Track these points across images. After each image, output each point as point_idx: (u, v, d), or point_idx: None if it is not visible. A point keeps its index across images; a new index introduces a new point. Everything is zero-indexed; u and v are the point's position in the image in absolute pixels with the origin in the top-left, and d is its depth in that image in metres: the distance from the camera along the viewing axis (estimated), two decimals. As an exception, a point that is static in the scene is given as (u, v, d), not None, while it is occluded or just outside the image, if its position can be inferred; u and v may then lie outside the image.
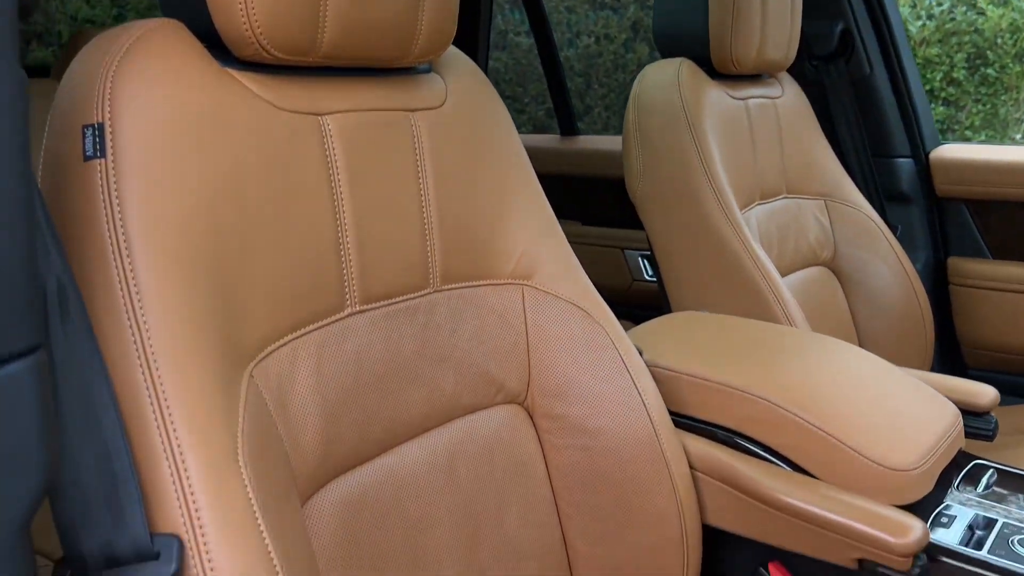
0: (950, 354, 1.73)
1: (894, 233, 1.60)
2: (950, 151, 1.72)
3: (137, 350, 0.55)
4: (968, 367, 1.72)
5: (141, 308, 0.56)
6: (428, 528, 0.74)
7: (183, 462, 0.53)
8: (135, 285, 0.56)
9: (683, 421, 0.96)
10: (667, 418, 0.89)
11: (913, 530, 0.78)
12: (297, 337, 0.67)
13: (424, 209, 0.78)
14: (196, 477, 0.53)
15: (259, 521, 0.54)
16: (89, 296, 0.57)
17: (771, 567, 0.90)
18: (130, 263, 0.57)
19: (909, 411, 0.92)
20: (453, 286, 0.82)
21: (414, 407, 0.76)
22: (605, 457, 0.86)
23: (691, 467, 0.90)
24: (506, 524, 0.81)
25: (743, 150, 1.43)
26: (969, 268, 1.69)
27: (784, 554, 0.89)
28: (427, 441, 0.78)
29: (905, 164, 1.73)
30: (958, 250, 1.72)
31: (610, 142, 2.23)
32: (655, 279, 2.03)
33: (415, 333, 0.77)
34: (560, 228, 0.93)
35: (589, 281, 0.93)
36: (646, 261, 2.14)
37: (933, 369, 1.56)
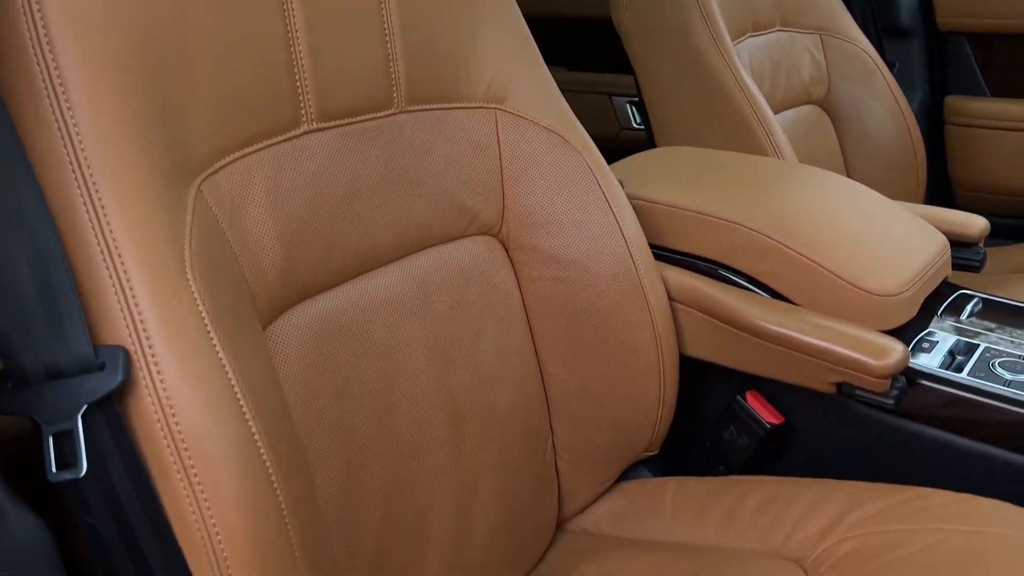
0: (942, 197, 1.70)
1: (891, 70, 1.53)
2: (956, -21, 1.63)
3: (70, 160, 0.51)
4: (959, 210, 1.69)
5: (72, 116, 0.52)
6: (399, 353, 0.72)
7: (125, 274, 0.50)
8: (63, 90, 0.52)
9: (663, 253, 0.93)
10: (646, 250, 0.86)
11: (893, 352, 0.77)
12: (250, 153, 0.63)
13: (384, 16, 0.72)
14: (140, 289, 0.50)
15: (212, 336, 0.52)
16: (14, 104, 0.52)
17: (748, 396, 0.89)
18: (55, 67, 0.52)
19: (896, 238, 0.89)
20: (421, 107, 0.77)
21: (382, 234, 0.73)
22: (582, 288, 0.84)
23: (670, 298, 0.88)
24: (481, 352, 0.79)
25: (735, -24, 1.35)
26: (967, 107, 1.63)
27: (762, 382, 0.89)
28: (398, 269, 0.75)
29: (905, -6, 1.64)
30: (956, 88, 1.66)
31: (597, -20, 2.10)
32: (643, 127, 1.97)
33: (380, 155, 0.73)
34: (537, 49, 0.87)
35: (568, 108, 0.88)
36: (634, 108, 2.07)
37: (923, 211, 1.53)
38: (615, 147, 2.15)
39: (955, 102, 1.65)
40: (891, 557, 0.66)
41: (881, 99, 1.51)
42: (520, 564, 0.82)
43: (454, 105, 0.80)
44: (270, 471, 0.51)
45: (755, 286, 0.89)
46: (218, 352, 0.52)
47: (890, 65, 1.55)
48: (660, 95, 1.33)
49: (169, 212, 0.54)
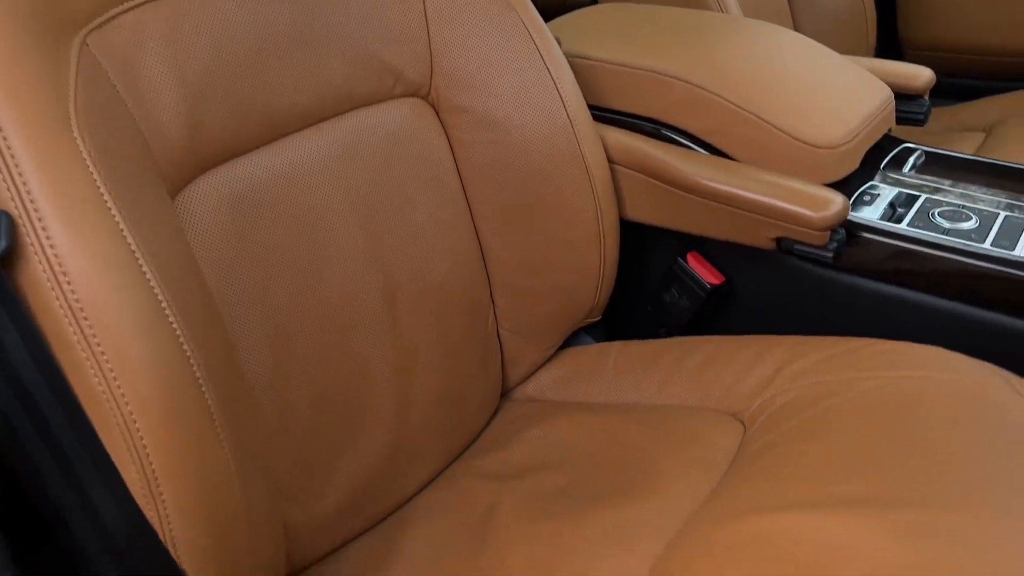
0: (891, 55, 1.66)
1: (842, -78, 1.47)
2: None
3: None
4: (907, 69, 1.66)
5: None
6: (323, 222, 0.69)
7: (2, 132, 0.46)
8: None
9: (602, 114, 0.90)
10: (585, 110, 0.83)
11: (832, 204, 0.76)
12: (143, 3, 0.57)
13: None
14: (20, 149, 0.46)
15: (106, 199, 0.48)
16: None
17: (689, 257, 0.88)
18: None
19: (838, 90, 0.87)
20: (334, -45, 0.71)
21: (298, 94, 0.68)
22: (517, 152, 0.81)
23: (609, 160, 0.85)
24: (412, 220, 0.76)
25: None
26: (917, -39, 1.58)
27: (702, 242, 0.87)
28: (319, 133, 0.71)
29: None
30: (908, -59, 1.60)
31: None
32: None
33: (291, 8, 0.67)
34: None
35: None
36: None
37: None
38: (557, 7, 2.08)
39: (906, -44, 1.60)
40: (826, 405, 0.67)
41: (831, -47, 1.45)
42: (464, 433, 0.82)
43: (371, -47, 0.74)
44: (180, 338, 0.48)
45: (696, 144, 0.86)
46: (115, 216, 0.48)
47: (840, -83, 1.49)
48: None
49: (50, 67, 0.49)
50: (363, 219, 0.72)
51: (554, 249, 0.84)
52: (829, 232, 0.76)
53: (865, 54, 1.48)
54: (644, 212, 0.87)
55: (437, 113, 0.80)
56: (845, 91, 0.87)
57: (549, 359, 0.90)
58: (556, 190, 0.82)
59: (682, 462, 0.69)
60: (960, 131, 1.36)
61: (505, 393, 0.89)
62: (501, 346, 0.87)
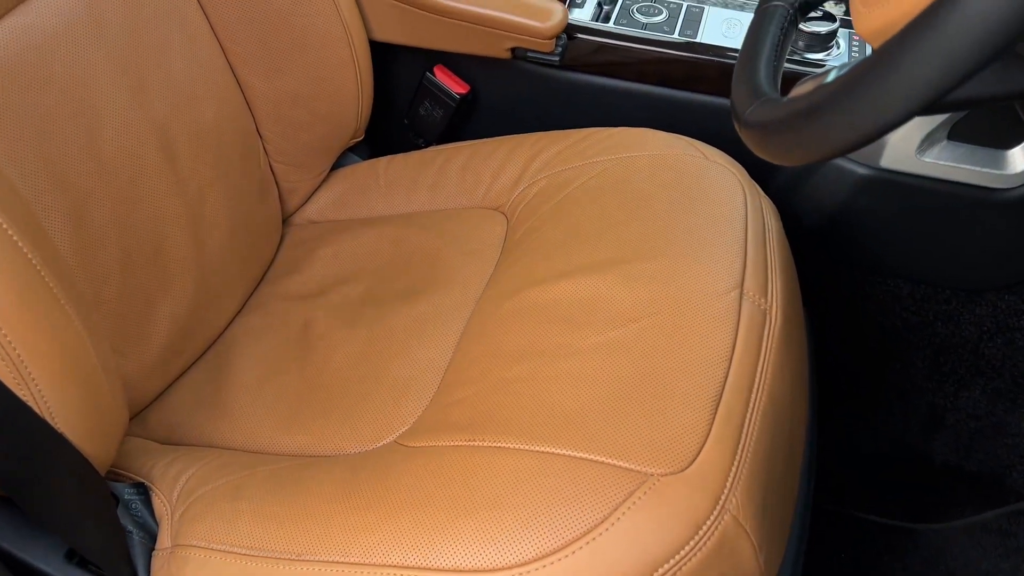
0: None
1: None
2: None
3: None
4: None
5: None
6: (87, 87, 0.69)
7: None
8: None
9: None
10: (318, -64, 0.85)
11: (555, 14, 0.87)
12: None
13: None
14: None
15: None
16: None
17: (436, 71, 0.97)
18: None
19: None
20: None
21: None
22: (261, -14, 0.82)
23: (349, -18, 0.89)
24: (171, 69, 0.77)
25: None
26: None
27: (447, 56, 0.96)
28: (58, -6, 0.69)
29: None
30: None
31: None
32: None
33: None
34: None
35: None
36: None
37: None
38: None
39: None
40: (567, 192, 0.81)
41: None
42: (257, 263, 0.89)
43: None
44: (11, 235, 0.51)
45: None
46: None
47: None
48: None
49: None
50: (124, 73, 0.73)
51: (311, 79, 0.89)
52: (555, 39, 0.88)
53: None
54: (391, 32, 0.93)
55: (171, -48, 0.79)
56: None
57: (323, 182, 0.97)
58: (304, 22, 0.85)
59: (462, 255, 0.82)
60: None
61: (287, 220, 0.96)
62: (276, 178, 0.93)
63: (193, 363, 0.81)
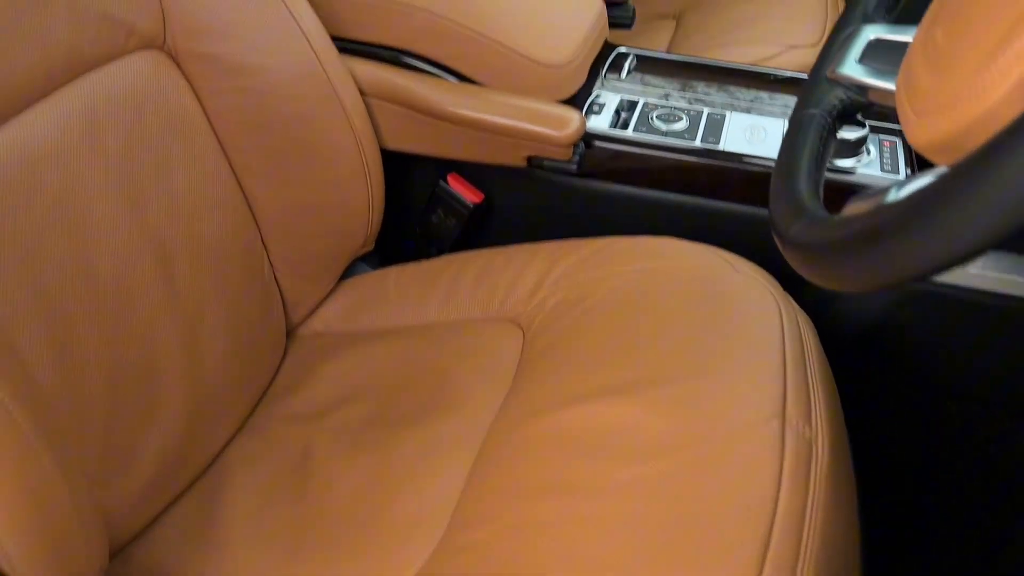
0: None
1: None
2: None
3: None
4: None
5: None
6: (81, 202, 0.65)
7: None
8: None
9: (346, 45, 0.90)
10: (330, 46, 0.83)
11: (572, 121, 0.84)
12: None
13: None
14: None
15: None
16: None
17: (450, 179, 0.94)
18: None
19: (560, 8, 0.94)
20: (32, -96, 0.64)
21: (24, 62, 0.63)
22: (269, 96, 0.80)
23: (362, 93, 0.87)
24: (172, 182, 0.74)
25: None
26: None
27: (461, 164, 0.93)
28: (53, 104, 0.66)
29: None
30: None
31: None
32: None
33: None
34: None
35: None
36: None
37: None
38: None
39: None
40: (587, 304, 0.77)
41: None
42: (256, 382, 0.83)
43: None
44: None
45: (441, 70, 0.90)
46: None
47: None
48: None
49: None
50: (122, 187, 0.69)
51: (320, 189, 0.86)
52: (572, 147, 0.85)
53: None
54: (403, 141, 0.90)
55: (178, 64, 0.77)
56: (566, 8, 0.94)
57: (330, 293, 0.93)
58: (313, 131, 0.83)
59: (475, 373, 0.76)
60: (653, 20, 1.51)
61: (291, 333, 0.91)
62: (281, 291, 0.88)
63: (183, 492, 0.74)
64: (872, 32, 0.57)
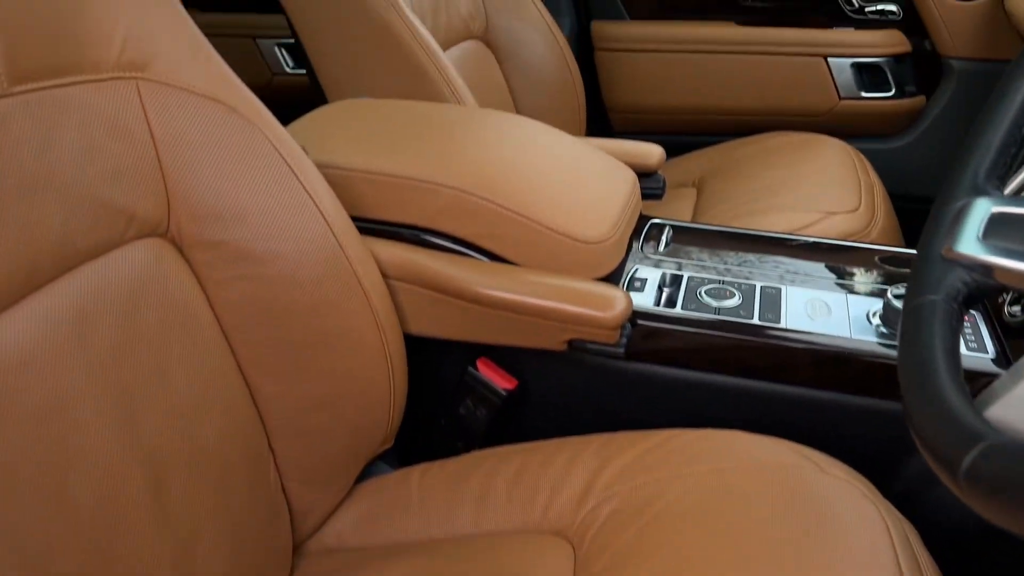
0: (599, 120, 1.78)
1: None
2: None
3: None
4: (615, 131, 1.79)
5: None
6: (66, 410, 0.55)
7: None
8: None
9: (367, 226, 0.84)
10: (350, 227, 0.76)
11: (618, 302, 0.76)
12: None
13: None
14: None
15: None
16: None
17: (480, 364, 0.85)
18: None
19: (593, 181, 0.88)
20: (32, 87, 0.58)
21: (5, 257, 0.55)
22: (283, 284, 0.72)
23: (384, 276, 0.79)
24: (169, 385, 0.64)
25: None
26: (610, 31, 1.71)
27: (491, 347, 0.84)
28: (37, 303, 0.57)
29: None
30: (599, 13, 1.72)
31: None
32: (299, 70, 1.80)
33: (-18, 159, 0.54)
34: (177, 0, 0.71)
35: (229, 68, 0.73)
36: (285, 51, 1.89)
37: (586, 135, 1.59)
38: (271, 95, 1.97)
39: (600, 27, 1.72)
40: (651, 514, 0.66)
41: (536, 28, 1.52)
42: (262, 611, 0.71)
43: (78, 79, 0.62)
44: None
45: (469, 249, 0.83)
46: None
47: (538, -7, 1.56)
48: (319, 39, 1.20)
49: None
50: (113, 396, 0.59)
51: (337, 382, 0.76)
52: (618, 328, 0.76)
53: (579, 121, 1.56)
54: (428, 326, 0.81)
55: (181, 252, 0.69)
56: (599, 181, 0.89)
57: (344, 498, 0.81)
58: (331, 319, 0.74)
59: (522, 605, 0.64)
60: (675, 188, 1.48)
61: (298, 548, 0.79)
62: (288, 500, 0.77)
63: None
64: (990, 205, 0.49)
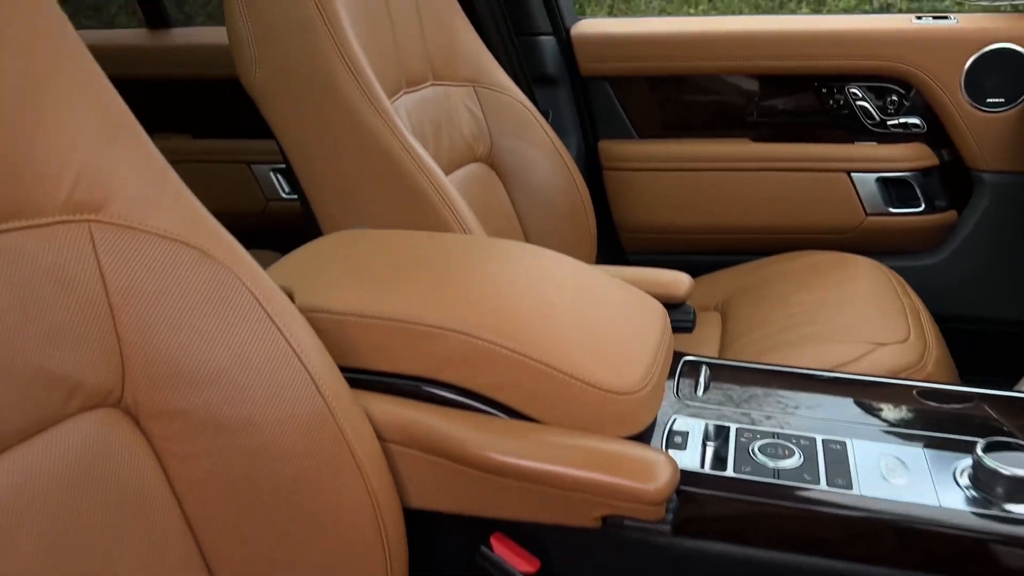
0: (609, 241, 1.70)
1: (546, 119, 1.48)
2: (590, 26, 1.64)
3: None
4: (626, 252, 1.70)
5: None
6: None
7: None
8: None
9: (361, 377, 0.72)
10: (341, 383, 0.65)
11: (662, 469, 0.63)
12: None
13: None
14: None
15: None
16: None
17: (494, 541, 0.71)
18: None
19: (619, 319, 0.78)
20: (-45, 237, 0.48)
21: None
22: (259, 459, 0.60)
23: (380, 439, 0.67)
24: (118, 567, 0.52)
25: (379, 26, 1.18)
26: (618, 150, 1.65)
27: (507, 522, 0.71)
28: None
29: (548, 42, 1.61)
30: (606, 132, 1.66)
31: (217, 34, 1.83)
32: (294, 196, 1.73)
33: None
34: (142, 131, 0.62)
35: (202, 206, 0.63)
36: (280, 176, 1.83)
37: (597, 259, 1.50)
38: (266, 221, 1.90)
39: (607, 146, 1.66)
40: None
41: (542, 149, 1.45)
42: None
43: (20, 224, 0.52)
44: None
45: (481, 403, 0.71)
46: None
47: (544, 114, 1.50)
48: (313, 164, 1.12)
49: None
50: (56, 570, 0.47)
51: (324, 566, 0.63)
52: (664, 503, 0.64)
53: (590, 249, 1.47)
54: (433, 499, 0.69)
55: (137, 423, 0.58)
56: (626, 319, 0.78)
57: None
58: (318, 495, 0.62)
59: None
60: (702, 310, 1.37)
61: None
62: None
63: None
64: None
